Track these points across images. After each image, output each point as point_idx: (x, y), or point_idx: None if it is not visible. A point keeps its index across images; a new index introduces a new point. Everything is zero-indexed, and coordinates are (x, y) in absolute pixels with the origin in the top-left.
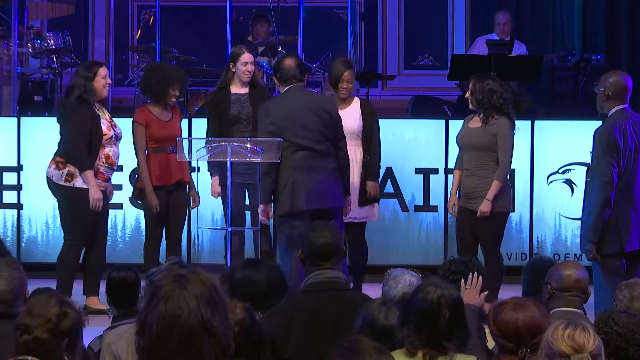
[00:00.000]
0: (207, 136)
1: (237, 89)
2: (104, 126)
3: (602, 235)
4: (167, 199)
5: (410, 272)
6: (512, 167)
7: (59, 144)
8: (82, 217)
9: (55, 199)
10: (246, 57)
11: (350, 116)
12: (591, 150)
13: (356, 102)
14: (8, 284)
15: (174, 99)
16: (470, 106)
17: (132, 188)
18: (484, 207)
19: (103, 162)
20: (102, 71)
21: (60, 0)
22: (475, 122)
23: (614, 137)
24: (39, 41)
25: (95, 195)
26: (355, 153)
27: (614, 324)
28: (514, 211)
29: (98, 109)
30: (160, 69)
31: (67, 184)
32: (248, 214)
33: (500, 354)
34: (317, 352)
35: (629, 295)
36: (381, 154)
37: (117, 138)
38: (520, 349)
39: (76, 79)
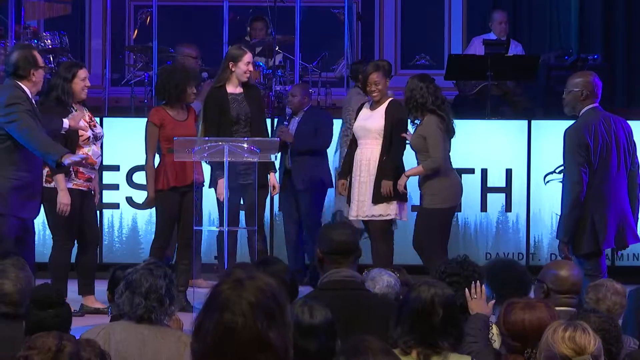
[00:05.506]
0: (202, 136)
1: (232, 88)
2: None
3: (578, 235)
4: (180, 200)
5: (387, 272)
6: (509, 167)
7: None
8: (67, 217)
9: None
10: (249, 57)
11: (377, 116)
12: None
13: (386, 103)
14: (15, 284)
15: (192, 97)
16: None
17: (130, 188)
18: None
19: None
20: (82, 73)
21: (56, 0)
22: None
23: (583, 136)
24: (35, 41)
25: (63, 200)
26: (372, 152)
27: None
28: (460, 210)
29: (76, 110)
30: (176, 72)
31: (48, 185)
32: (242, 214)
33: (508, 354)
34: None
35: (595, 297)
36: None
37: (97, 138)
38: (526, 349)
39: (55, 79)
